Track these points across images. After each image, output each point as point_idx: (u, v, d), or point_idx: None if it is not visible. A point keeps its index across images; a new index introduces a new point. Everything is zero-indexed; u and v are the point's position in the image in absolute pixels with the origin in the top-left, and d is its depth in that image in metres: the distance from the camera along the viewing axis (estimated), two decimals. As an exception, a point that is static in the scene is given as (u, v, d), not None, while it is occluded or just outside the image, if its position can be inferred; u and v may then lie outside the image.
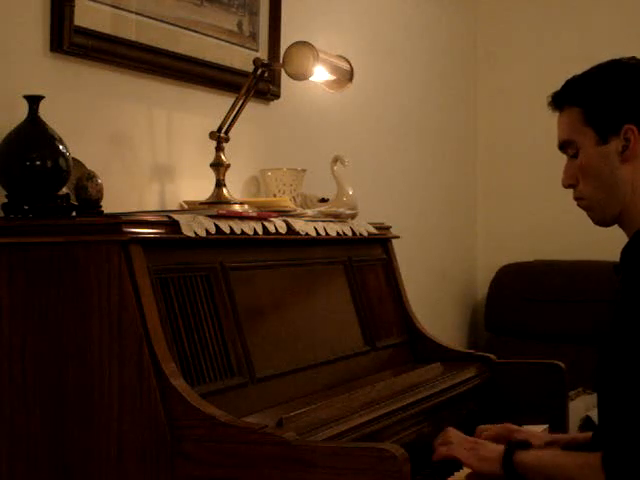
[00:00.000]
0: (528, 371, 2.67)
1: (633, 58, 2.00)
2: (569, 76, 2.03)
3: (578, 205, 2.01)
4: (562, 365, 2.65)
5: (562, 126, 2.01)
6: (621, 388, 1.82)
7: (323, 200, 2.89)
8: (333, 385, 2.24)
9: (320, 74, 2.59)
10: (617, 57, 2.02)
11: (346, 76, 2.67)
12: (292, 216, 2.38)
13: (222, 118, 2.41)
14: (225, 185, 2.39)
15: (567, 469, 1.89)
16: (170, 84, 2.58)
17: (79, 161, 2.14)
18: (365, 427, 1.95)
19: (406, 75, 3.99)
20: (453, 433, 2.12)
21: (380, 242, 2.80)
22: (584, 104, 1.96)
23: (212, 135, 2.40)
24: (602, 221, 2.00)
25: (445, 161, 4.35)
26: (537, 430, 2.37)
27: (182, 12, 2.58)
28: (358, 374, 2.38)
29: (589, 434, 2.12)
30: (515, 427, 2.27)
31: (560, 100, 2.01)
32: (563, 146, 2.02)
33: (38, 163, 1.93)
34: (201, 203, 2.37)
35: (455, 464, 2.11)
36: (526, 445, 2.00)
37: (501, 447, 2.01)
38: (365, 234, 2.65)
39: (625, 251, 1.95)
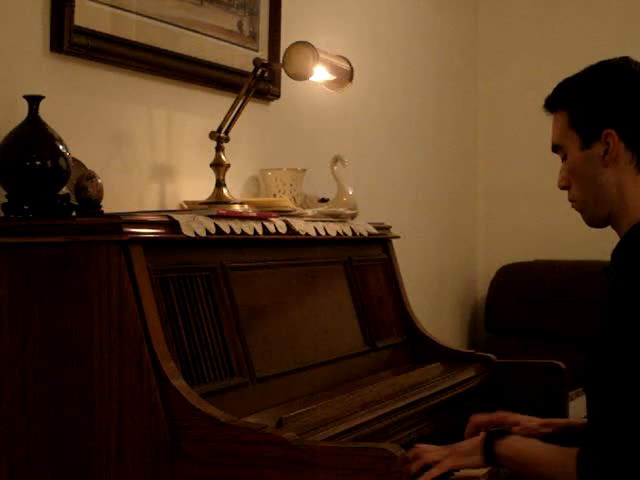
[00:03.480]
0: (528, 371, 2.67)
1: (623, 59, 2.00)
2: (569, 76, 2.03)
3: (572, 207, 2.03)
4: (562, 365, 2.65)
5: (554, 129, 2.03)
6: (606, 390, 1.82)
7: (323, 200, 2.89)
8: (333, 385, 2.24)
9: (320, 74, 2.59)
10: (615, 57, 2.02)
11: (346, 76, 2.67)
12: (292, 216, 2.38)
13: (222, 118, 2.41)
14: (225, 185, 2.39)
15: (541, 462, 1.89)
16: (170, 84, 2.58)
17: (79, 161, 2.14)
18: (365, 427, 1.95)
19: (406, 75, 3.99)
20: (424, 446, 2.02)
21: (380, 242, 2.80)
22: (570, 107, 1.97)
23: (212, 135, 2.40)
24: (593, 223, 2.01)
25: (445, 161, 4.36)
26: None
27: (182, 12, 2.58)
28: (358, 374, 2.38)
29: (585, 420, 2.12)
30: (508, 414, 2.26)
31: (552, 103, 2.03)
32: (554, 149, 2.04)
33: (38, 163, 1.93)
34: (201, 203, 2.37)
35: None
36: (504, 433, 1.99)
37: (478, 439, 1.98)
38: (365, 234, 2.65)
39: (615, 252, 1.96)
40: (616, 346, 1.81)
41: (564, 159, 2.00)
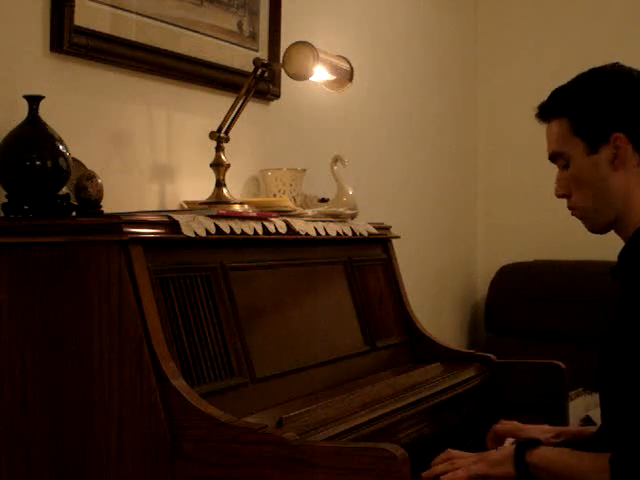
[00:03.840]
0: (528, 371, 2.67)
1: (615, 65, 2.00)
2: (569, 76, 2.03)
3: (572, 214, 2.02)
4: (562, 365, 2.65)
5: (551, 138, 2.02)
6: (626, 390, 1.82)
7: (323, 200, 2.89)
8: (333, 385, 2.24)
9: (320, 74, 2.59)
10: (619, 58, 2.02)
11: (346, 76, 2.67)
12: (292, 216, 2.38)
13: (222, 118, 2.41)
14: (225, 185, 2.39)
15: (574, 470, 1.89)
16: (170, 84, 2.58)
17: (79, 161, 2.14)
18: (365, 427, 1.95)
19: (406, 75, 3.99)
20: (457, 453, 2.03)
21: (380, 242, 2.80)
22: (571, 114, 1.96)
23: (212, 135, 2.40)
24: (597, 229, 2.01)
25: (445, 161, 4.35)
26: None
27: (182, 12, 2.58)
28: (358, 374, 2.38)
29: (594, 428, 2.12)
30: (521, 426, 2.26)
31: (546, 112, 2.02)
32: (553, 157, 2.02)
33: (38, 163, 1.93)
34: (201, 203, 2.37)
35: None
36: (534, 443, 1.99)
37: (508, 449, 2.00)
38: (365, 234, 2.65)
39: (622, 255, 1.96)
40: (632, 349, 1.81)
41: (564, 167, 1.99)
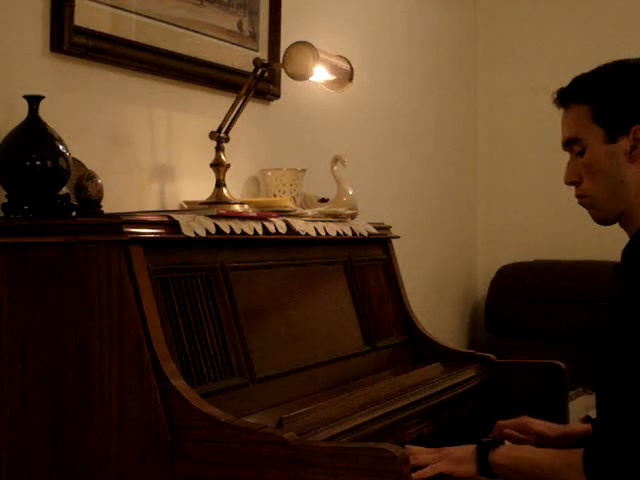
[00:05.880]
0: (528, 371, 2.67)
1: (639, 60, 2.00)
2: (569, 76, 2.02)
3: (580, 203, 2.00)
4: (562, 365, 2.65)
5: (568, 123, 1.99)
6: (617, 388, 1.82)
7: (323, 200, 2.89)
8: (333, 385, 2.24)
9: (320, 74, 2.59)
10: (619, 57, 2.01)
11: (346, 76, 2.68)
12: (292, 216, 2.38)
13: (222, 118, 2.41)
14: (225, 185, 2.39)
15: (545, 467, 1.88)
16: (170, 84, 2.58)
17: (79, 161, 2.14)
18: (365, 427, 1.95)
19: (406, 75, 3.99)
20: (415, 447, 2.02)
21: (380, 242, 2.80)
22: (594, 102, 1.94)
23: (212, 135, 2.40)
24: (604, 220, 1.99)
25: (445, 161, 4.36)
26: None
27: (182, 12, 2.58)
28: (358, 374, 2.38)
29: None
30: (531, 419, 2.24)
31: (567, 97, 1.99)
32: (568, 143, 2.00)
33: (38, 163, 1.93)
34: (201, 203, 2.37)
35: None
36: (497, 442, 1.98)
37: (471, 448, 1.98)
38: (365, 234, 2.65)
39: (626, 251, 1.95)
40: (627, 346, 1.81)
41: (579, 154, 1.97)
